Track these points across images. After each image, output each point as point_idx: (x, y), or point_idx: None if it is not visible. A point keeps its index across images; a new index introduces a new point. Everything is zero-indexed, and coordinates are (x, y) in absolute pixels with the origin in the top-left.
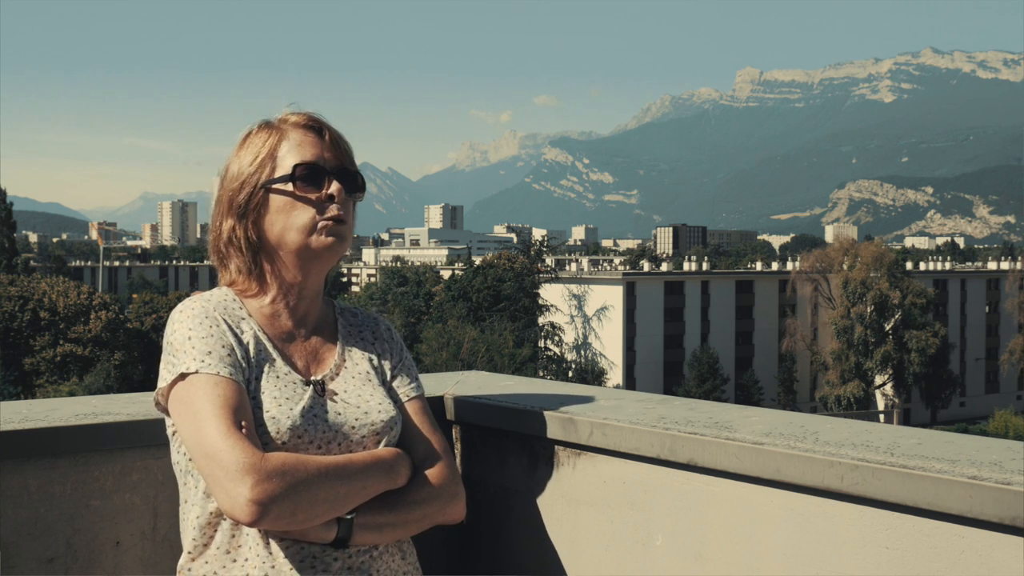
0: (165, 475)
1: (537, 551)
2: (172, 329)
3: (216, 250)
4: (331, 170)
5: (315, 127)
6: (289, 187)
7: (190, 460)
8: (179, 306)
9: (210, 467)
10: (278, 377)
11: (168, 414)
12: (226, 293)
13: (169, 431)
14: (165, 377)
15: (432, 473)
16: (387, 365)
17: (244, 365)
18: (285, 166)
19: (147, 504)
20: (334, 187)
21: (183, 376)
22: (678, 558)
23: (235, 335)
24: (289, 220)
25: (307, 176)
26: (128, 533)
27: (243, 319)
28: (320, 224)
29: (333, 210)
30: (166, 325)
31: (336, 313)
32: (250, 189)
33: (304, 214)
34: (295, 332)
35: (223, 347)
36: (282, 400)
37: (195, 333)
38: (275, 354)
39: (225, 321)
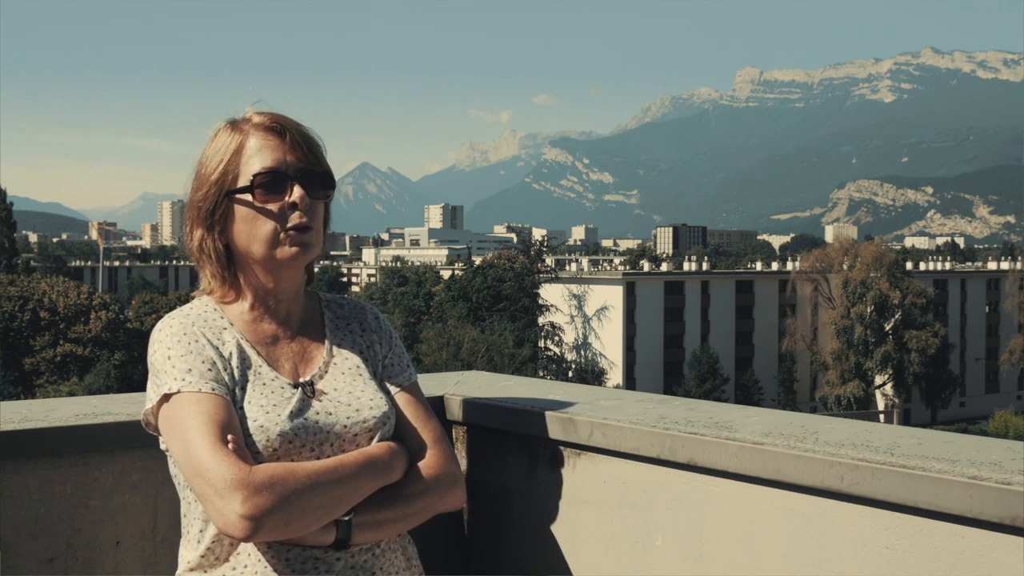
0: (165, 475)
1: (537, 551)
2: (153, 349)
3: (192, 256)
4: (293, 174)
5: (277, 128)
6: (250, 197)
7: None
8: (158, 325)
9: (200, 486)
10: (264, 384)
11: (159, 433)
12: (206, 304)
13: (163, 447)
14: (151, 398)
15: (428, 463)
16: (377, 356)
17: (227, 377)
18: (246, 173)
19: (147, 504)
20: (296, 193)
21: (167, 397)
22: (678, 558)
23: (215, 348)
24: (253, 231)
25: (268, 184)
26: (128, 533)
27: (224, 329)
28: (283, 236)
29: (296, 218)
30: (148, 345)
31: (322, 307)
32: (214, 198)
33: (266, 225)
34: (279, 334)
35: (203, 362)
36: (269, 407)
37: (174, 351)
38: (260, 360)
39: (204, 335)
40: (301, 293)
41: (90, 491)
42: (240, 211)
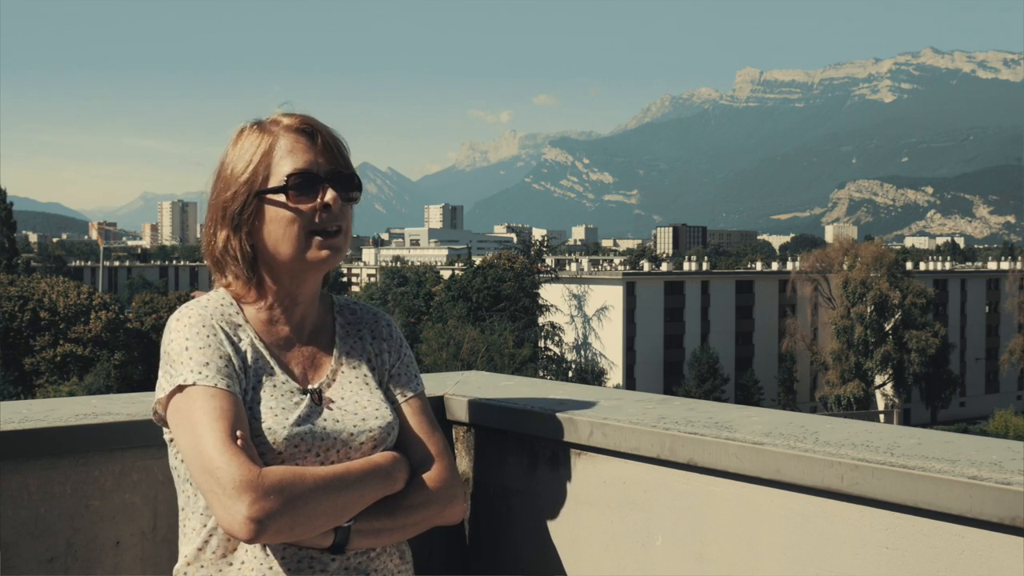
0: (165, 475)
1: (537, 551)
2: (169, 338)
3: (212, 258)
4: (325, 176)
5: (308, 130)
6: (282, 198)
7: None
8: (176, 313)
9: (208, 483)
10: (275, 386)
11: (167, 425)
12: (223, 296)
13: (166, 436)
14: (163, 387)
15: (430, 476)
16: (385, 364)
17: (241, 375)
18: (278, 174)
19: (147, 504)
20: (329, 195)
21: (180, 388)
22: (678, 558)
23: (232, 343)
24: (283, 232)
25: (301, 185)
26: (128, 533)
27: (240, 325)
28: (313, 238)
29: (328, 221)
30: (164, 332)
31: (334, 312)
32: (243, 199)
33: (298, 226)
34: (292, 338)
35: (220, 357)
36: (278, 410)
37: (192, 343)
38: (272, 362)
39: (223, 329)
40: (317, 297)
41: (90, 491)
42: (270, 212)
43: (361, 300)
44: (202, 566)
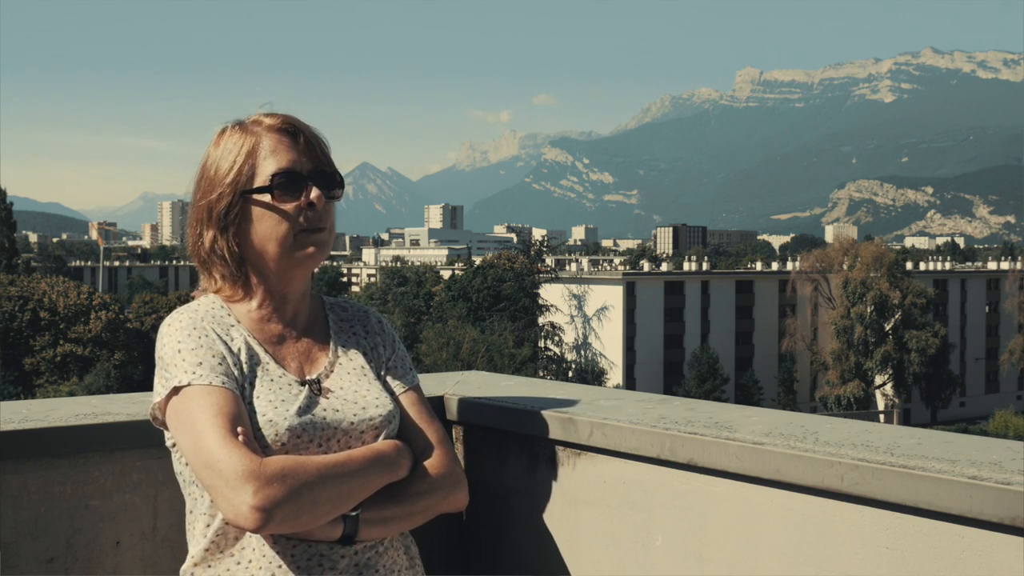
0: (165, 475)
1: (537, 551)
2: (162, 343)
3: (198, 258)
4: (309, 175)
5: (290, 130)
6: (267, 197)
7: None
8: (167, 319)
9: (210, 477)
10: (272, 380)
11: (167, 428)
12: (213, 301)
13: (168, 443)
14: (159, 392)
15: (432, 463)
16: (381, 358)
17: (236, 372)
18: (263, 174)
19: (147, 504)
20: (314, 194)
21: (176, 390)
22: (678, 558)
23: (225, 343)
24: (269, 231)
25: (285, 184)
26: (128, 533)
27: (232, 326)
28: (299, 236)
29: (313, 219)
30: (156, 339)
31: (326, 309)
32: (228, 199)
33: (284, 225)
34: (286, 334)
35: (213, 356)
36: (277, 403)
37: (184, 345)
38: (267, 358)
39: (214, 330)
40: (308, 294)
41: (90, 491)
42: (256, 212)
43: (361, 300)
44: (209, 566)
